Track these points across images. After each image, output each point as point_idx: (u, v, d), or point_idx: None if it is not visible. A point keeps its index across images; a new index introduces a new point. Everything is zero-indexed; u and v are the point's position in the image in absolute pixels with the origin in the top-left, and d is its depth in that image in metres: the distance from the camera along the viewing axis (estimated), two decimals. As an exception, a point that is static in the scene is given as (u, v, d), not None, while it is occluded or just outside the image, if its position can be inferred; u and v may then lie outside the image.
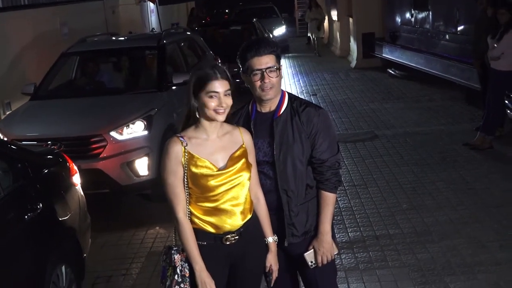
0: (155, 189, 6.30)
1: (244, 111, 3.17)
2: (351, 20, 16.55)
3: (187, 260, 2.90)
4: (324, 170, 3.09)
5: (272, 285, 3.13)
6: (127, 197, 6.84)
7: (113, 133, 6.17)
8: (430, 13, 12.12)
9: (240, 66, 3.07)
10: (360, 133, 9.05)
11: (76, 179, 4.76)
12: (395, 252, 5.09)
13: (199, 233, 2.90)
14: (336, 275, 3.41)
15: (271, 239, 3.07)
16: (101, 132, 6.15)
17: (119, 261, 5.38)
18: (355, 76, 14.36)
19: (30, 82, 7.56)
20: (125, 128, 6.25)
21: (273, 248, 3.08)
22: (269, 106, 3.11)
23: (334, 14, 19.38)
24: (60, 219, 4.23)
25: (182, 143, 2.87)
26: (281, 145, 3.05)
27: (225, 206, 2.90)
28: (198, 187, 2.88)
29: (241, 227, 2.94)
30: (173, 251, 2.93)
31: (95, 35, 9.08)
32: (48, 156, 4.82)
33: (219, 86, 2.84)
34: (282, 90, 3.15)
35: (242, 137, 3.00)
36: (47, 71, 7.78)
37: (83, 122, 6.43)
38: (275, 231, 3.09)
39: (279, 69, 3.04)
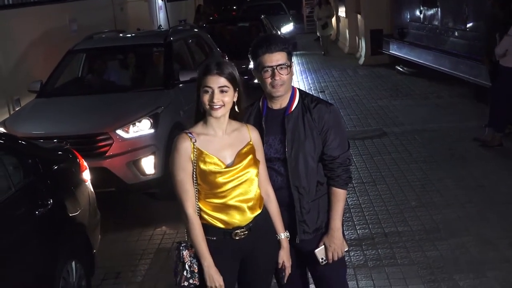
0: (162, 187, 6.26)
1: (255, 108, 3.16)
2: (359, 16, 16.50)
3: (196, 255, 2.90)
4: (335, 166, 3.09)
5: (284, 282, 3.13)
6: (134, 196, 6.81)
7: (119, 131, 6.10)
8: (439, 9, 12.06)
9: (252, 62, 3.07)
10: (369, 130, 9.03)
11: (86, 175, 4.79)
12: (404, 250, 5.08)
13: (208, 228, 2.91)
14: (346, 272, 3.42)
15: (283, 235, 3.07)
16: (107, 130, 6.08)
17: (128, 257, 5.41)
18: (363, 73, 14.33)
19: (37, 80, 7.52)
20: (131, 126, 6.18)
21: (285, 244, 3.07)
22: (280, 103, 3.11)
23: (342, 11, 19.31)
24: (70, 215, 4.25)
25: (191, 139, 2.88)
26: (293, 142, 3.05)
27: (234, 202, 2.90)
28: (206, 183, 2.88)
29: (250, 222, 2.94)
30: (181, 247, 2.94)
31: (102, 32, 9.01)
32: (58, 152, 4.84)
33: (213, 81, 2.84)
34: (293, 87, 3.15)
35: (250, 134, 3.00)
36: (54, 68, 7.75)
37: (89, 120, 6.38)
38: (286, 228, 3.08)
39: (290, 66, 3.03)
